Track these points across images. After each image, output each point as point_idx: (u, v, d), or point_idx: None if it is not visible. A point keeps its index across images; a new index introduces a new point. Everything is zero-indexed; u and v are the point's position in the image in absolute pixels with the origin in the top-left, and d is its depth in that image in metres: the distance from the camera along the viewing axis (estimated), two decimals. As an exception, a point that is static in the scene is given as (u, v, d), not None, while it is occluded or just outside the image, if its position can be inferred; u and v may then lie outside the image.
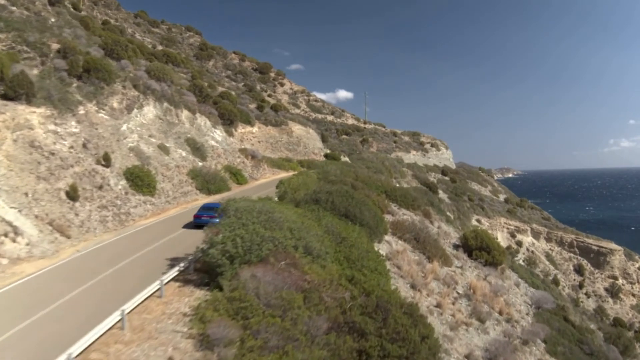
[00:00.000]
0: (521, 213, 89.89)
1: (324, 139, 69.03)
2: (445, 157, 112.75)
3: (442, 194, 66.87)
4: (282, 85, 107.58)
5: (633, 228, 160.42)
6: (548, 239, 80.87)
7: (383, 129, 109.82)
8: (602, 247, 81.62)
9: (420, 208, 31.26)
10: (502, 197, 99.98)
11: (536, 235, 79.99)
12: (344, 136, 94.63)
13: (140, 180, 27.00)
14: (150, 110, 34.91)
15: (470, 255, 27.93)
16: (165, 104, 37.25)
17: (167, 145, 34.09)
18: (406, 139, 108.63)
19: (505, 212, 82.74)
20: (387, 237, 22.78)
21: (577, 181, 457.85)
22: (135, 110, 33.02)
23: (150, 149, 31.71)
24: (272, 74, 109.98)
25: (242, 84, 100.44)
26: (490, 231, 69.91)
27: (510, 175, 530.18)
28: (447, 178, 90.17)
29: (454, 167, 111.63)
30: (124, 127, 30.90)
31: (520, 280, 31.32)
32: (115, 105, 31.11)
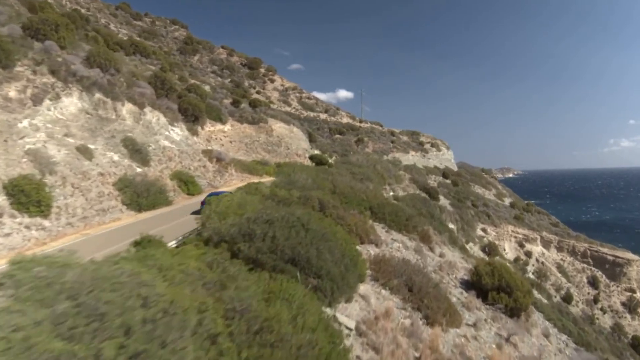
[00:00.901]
0: (529, 219, 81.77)
1: (311, 139, 61.02)
2: (446, 158, 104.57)
3: (443, 200, 58.79)
4: (272, 81, 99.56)
5: (638, 230, 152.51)
6: (559, 248, 72.73)
7: (380, 128, 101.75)
8: (618, 257, 73.35)
9: (416, 229, 23.20)
10: (507, 201, 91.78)
11: (546, 244, 71.86)
12: (338, 135, 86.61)
13: (25, 195, 19.05)
14: (72, 103, 26.93)
15: (485, 299, 19.87)
16: (98, 95, 29.26)
17: (92, 146, 26.10)
18: (405, 138, 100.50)
19: (512, 218, 74.63)
20: (363, 288, 14.76)
21: (577, 181, 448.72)
22: (47, 101, 25.04)
23: (62, 151, 23.72)
24: (262, 70, 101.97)
25: (229, 79, 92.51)
26: (497, 242, 61.83)
27: (511, 175, 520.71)
28: (448, 181, 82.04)
29: (455, 168, 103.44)
30: (24, 123, 22.92)
31: (548, 325, 23.23)
32: (11, 94, 23.14)
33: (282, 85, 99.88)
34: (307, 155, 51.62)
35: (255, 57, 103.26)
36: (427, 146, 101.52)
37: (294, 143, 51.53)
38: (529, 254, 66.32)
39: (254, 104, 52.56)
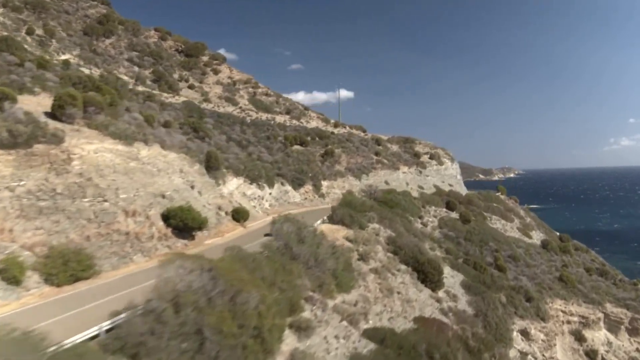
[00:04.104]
0: (574, 269, 52.19)
1: (210, 164, 31.81)
2: (450, 174, 74.93)
3: (450, 278, 29.64)
4: (216, 72, 70.40)
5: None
6: (632, 331, 43.19)
7: (362, 134, 72.36)
8: None
9: None
10: (536, 237, 62.17)
11: (613, 325, 42.40)
12: (297, 147, 57.43)
13: None
14: None
15: None
16: None
17: None
18: (394, 148, 71.02)
19: (556, 278, 45.22)
20: None
21: (580, 182, 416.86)
22: None
23: None
24: (205, 58, 72.77)
25: (151, 69, 63.60)
26: (548, 351, 32.43)
27: (512, 175, 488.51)
28: (455, 215, 52.73)
29: (463, 188, 73.79)
30: None
31: None
32: None
33: (229, 77, 70.65)
34: (158, 214, 22.44)
35: (197, 42, 73.96)
36: (425, 158, 71.98)
37: (134, 184, 22.66)
38: (592, 355, 36.91)
39: (59, 104, 23.67)
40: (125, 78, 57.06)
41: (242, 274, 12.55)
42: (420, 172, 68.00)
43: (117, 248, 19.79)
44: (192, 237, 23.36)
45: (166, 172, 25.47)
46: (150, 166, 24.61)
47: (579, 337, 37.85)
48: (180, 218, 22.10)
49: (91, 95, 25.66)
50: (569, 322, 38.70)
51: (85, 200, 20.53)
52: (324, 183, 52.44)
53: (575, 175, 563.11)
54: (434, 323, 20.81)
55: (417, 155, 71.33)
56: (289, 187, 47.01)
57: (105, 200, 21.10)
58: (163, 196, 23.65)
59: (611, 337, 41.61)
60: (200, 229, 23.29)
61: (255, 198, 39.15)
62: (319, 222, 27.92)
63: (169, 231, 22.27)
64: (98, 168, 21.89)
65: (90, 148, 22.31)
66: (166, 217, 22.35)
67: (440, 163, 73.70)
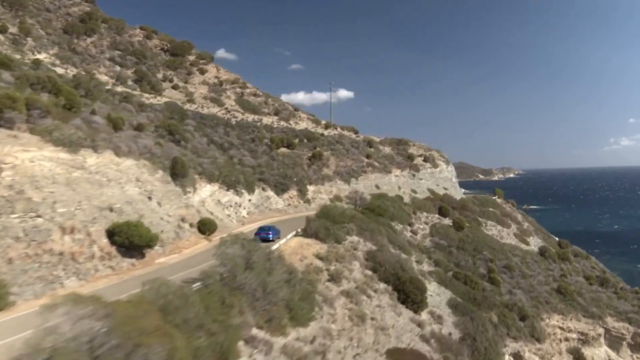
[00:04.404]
0: (573, 278, 49.58)
1: (177, 172, 29.31)
2: (445, 177, 72.31)
3: (435, 297, 27.11)
4: (203, 72, 67.84)
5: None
6: (635, 347, 40.57)
7: (353, 136, 69.74)
8: None
9: None
10: (534, 244, 59.53)
11: (614, 341, 39.76)
12: (283, 149, 54.91)
13: None
14: None
15: None
16: None
17: None
18: (387, 150, 68.42)
19: (554, 290, 42.61)
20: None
21: (580, 182, 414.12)
22: None
23: None
24: (192, 57, 70.24)
25: (133, 69, 61.08)
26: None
27: (512, 175, 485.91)
28: (447, 221, 50.15)
29: (459, 192, 71.14)
30: None
31: None
32: None
33: (216, 77, 68.10)
34: (103, 230, 19.93)
35: (183, 41, 71.41)
36: (419, 161, 69.35)
37: (76, 196, 20.14)
38: (592, 374, 34.25)
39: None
40: (105, 78, 54.63)
41: (150, 320, 10.00)
42: (414, 175, 65.42)
43: (46, 271, 17.26)
44: (142, 255, 20.82)
45: (118, 181, 22.91)
46: (99, 176, 22.05)
47: (578, 356, 35.20)
48: (126, 235, 19.55)
49: (36, 97, 23.17)
50: (567, 339, 36.04)
51: (14, 216, 17.99)
52: (310, 188, 49.92)
53: (575, 175, 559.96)
54: (410, 356, 18.29)
55: (410, 157, 68.73)
56: (271, 193, 44.50)
57: (39, 216, 18.56)
58: (111, 209, 21.08)
59: (612, 354, 38.98)
60: (149, 246, 20.71)
61: (231, 206, 36.60)
62: (290, 235, 25.35)
63: (113, 250, 19.72)
64: (33, 179, 19.36)
65: (25, 157, 19.78)
66: (112, 234, 19.81)
67: (435, 166, 71.11)
